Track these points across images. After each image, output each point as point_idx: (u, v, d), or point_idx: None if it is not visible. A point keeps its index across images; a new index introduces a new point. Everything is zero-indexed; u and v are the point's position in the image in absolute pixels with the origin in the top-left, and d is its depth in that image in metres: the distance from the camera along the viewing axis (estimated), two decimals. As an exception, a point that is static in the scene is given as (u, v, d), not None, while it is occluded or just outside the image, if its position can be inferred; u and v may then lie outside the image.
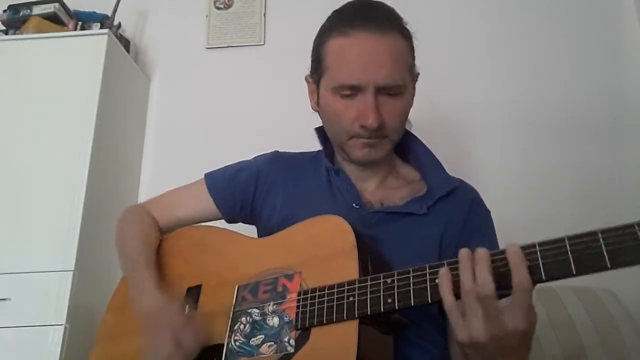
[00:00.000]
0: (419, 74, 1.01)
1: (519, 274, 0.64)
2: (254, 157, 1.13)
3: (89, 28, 1.94)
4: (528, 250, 0.66)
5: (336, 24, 0.94)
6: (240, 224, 1.10)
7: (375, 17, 0.91)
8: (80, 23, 1.95)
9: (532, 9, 1.95)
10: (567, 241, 0.64)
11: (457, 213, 0.96)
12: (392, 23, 0.92)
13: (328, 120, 0.99)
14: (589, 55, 1.87)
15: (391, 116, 0.91)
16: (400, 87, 0.91)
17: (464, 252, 0.69)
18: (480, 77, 1.91)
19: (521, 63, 1.90)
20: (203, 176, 1.11)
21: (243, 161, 1.13)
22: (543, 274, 0.64)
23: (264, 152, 1.14)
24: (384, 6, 0.95)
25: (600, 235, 0.61)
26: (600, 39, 1.88)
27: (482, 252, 0.67)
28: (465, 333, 0.66)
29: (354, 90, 0.90)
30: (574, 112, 1.80)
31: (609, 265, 0.60)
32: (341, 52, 0.92)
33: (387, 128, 0.92)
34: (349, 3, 0.97)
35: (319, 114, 1.03)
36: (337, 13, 0.97)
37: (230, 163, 1.18)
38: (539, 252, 0.65)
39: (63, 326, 1.43)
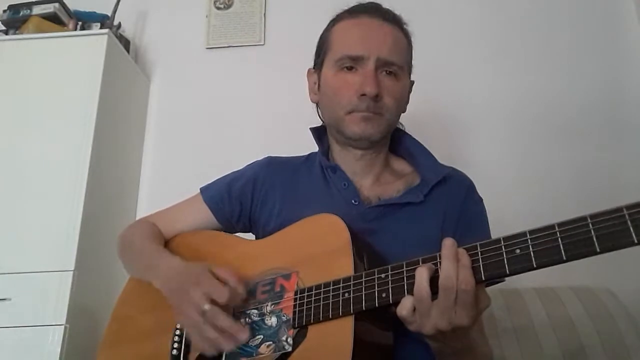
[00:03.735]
0: (413, 82, 1.06)
1: (460, 276, 0.66)
2: (247, 165, 1.13)
3: (89, 28, 1.94)
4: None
5: (343, 13, 1.03)
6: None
7: (381, 12, 0.99)
8: (80, 23, 1.95)
9: (532, 6, 1.95)
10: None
11: (454, 199, 0.98)
12: (395, 19, 1.01)
13: (327, 100, 1.01)
14: (588, 53, 1.87)
15: (388, 93, 0.96)
16: (399, 67, 0.97)
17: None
18: (480, 75, 1.91)
19: (520, 61, 1.90)
20: (199, 190, 1.11)
21: (236, 171, 1.13)
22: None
23: (258, 158, 1.14)
24: (389, 9, 1.02)
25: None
26: (600, 37, 1.88)
27: (423, 267, 0.69)
28: (415, 327, 0.70)
29: (356, 62, 0.96)
30: (573, 110, 1.80)
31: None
32: (346, 30, 1.00)
33: (383, 104, 0.96)
34: (359, 3, 1.04)
35: (317, 104, 1.06)
36: (346, 9, 1.04)
37: (229, 162, 1.18)
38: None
39: (63, 326, 1.43)
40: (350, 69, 0.97)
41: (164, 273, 0.90)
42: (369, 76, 0.94)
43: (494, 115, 1.85)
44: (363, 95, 0.94)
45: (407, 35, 1.02)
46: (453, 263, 0.67)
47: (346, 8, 1.04)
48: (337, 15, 1.04)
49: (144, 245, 1.01)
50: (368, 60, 0.95)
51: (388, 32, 0.97)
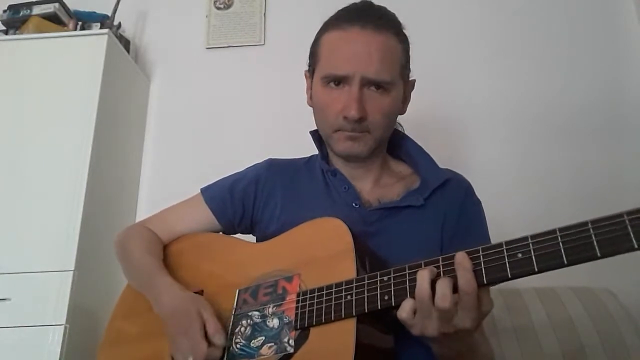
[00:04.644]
0: (414, 81, 1.04)
1: (462, 279, 0.66)
2: (248, 167, 1.13)
3: (89, 28, 1.94)
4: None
5: (335, 19, 0.98)
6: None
7: (373, 17, 0.94)
8: (80, 23, 1.96)
9: (532, 6, 1.95)
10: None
11: (453, 201, 0.98)
12: (389, 24, 0.96)
13: (317, 114, 1.01)
14: (588, 53, 1.87)
15: (375, 111, 0.93)
16: (387, 83, 0.93)
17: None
18: (480, 75, 1.91)
19: (520, 61, 1.90)
20: (199, 191, 1.11)
21: (237, 172, 1.12)
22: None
23: (259, 160, 1.13)
24: (385, 9, 0.99)
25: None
26: (600, 37, 1.88)
27: (425, 270, 0.69)
28: (417, 330, 0.71)
29: (341, 81, 0.93)
30: (573, 111, 1.80)
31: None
32: (333, 44, 0.96)
33: (369, 122, 0.94)
34: (353, 3, 1.00)
35: (313, 109, 1.05)
36: (339, 11, 1.00)
37: (229, 162, 1.19)
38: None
39: (63, 326, 1.43)
40: (337, 83, 0.94)
41: (162, 303, 0.90)
42: (353, 98, 0.91)
43: (494, 115, 1.85)
44: (346, 117, 0.92)
45: (402, 40, 0.97)
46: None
47: (339, 10, 1.00)
48: (328, 22, 1.00)
49: (143, 261, 1.00)
50: (353, 80, 0.91)
51: (377, 47, 0.92)
